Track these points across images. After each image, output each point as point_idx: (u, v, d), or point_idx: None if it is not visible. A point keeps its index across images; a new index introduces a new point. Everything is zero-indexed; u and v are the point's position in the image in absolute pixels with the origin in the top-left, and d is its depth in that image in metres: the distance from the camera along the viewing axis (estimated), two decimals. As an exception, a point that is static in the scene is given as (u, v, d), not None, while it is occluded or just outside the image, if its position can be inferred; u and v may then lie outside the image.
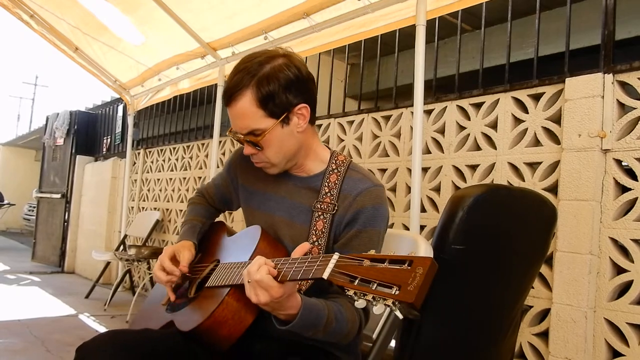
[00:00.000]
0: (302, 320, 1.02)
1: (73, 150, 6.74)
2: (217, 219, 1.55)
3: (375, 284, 0.81)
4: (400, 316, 0.80)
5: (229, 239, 1.40)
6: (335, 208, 1.20)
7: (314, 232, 1.19)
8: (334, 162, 1.27)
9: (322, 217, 1.20)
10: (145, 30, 3.78)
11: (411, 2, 2.36)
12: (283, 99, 1.16)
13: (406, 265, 0.80)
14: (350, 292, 0.83)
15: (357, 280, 0.83)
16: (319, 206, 1.21)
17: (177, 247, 1.34)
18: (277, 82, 1.14)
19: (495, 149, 2.41)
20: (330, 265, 0.89)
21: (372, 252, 0.87)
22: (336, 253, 0.91)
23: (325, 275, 0.88)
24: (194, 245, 1.37)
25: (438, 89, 2.82)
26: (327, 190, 1.22)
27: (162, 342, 1.17)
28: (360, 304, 0.82)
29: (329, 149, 1.33)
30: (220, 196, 1.50)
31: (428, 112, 2.71)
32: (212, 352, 1.17)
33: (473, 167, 2.50)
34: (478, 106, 2.53)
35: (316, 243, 1.19)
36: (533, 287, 2.12)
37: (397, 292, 0.78)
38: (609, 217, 1.98)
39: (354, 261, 0.87)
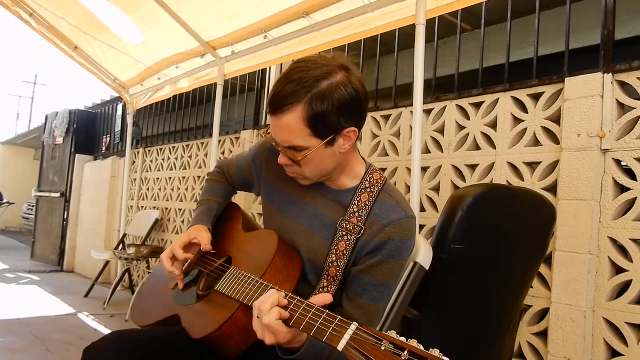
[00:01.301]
0: (305, 353, 1.02)
1: (72, 149, 6.74)
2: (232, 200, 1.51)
3: None
4: None
5: (244, 236, 1.35)
6: (362, 232, 1.14)
7: (334, 251, 1.16)
8: (367, 179, 1.21)
9: (345, 238, 1.15)
10: (145, 30, 3.78)
11: (411, 2, 2.35)
12: (334, 121, 1.09)
13: None
14: None
15: None
16: (344, 225, 1.16)
17: (191, 232, 1.30)
18: (331, 102, 1.07)
19: (495, 148, 2.41)
20: (347, 337, 0.84)
21: (393, 334, 0.82)
22: (354, 323, 0.86)
23: (339, 347, 0.84)
24: (209, 230, 1.33)
25: (438, 89, 2.82)
26: (355, 210, 1.17)
27: (169, 342, 1.16)
28: None
29: (365, 162, 1.26)
30: (241, 179, 1.44)
31: (428, 112, 2.71)
32: (219, 356, 1.17)
33: (472, 167, 2.50)
34: (478, 106, 2.53)
35: (335, 264, 1.15)
36: (532, 287, 2.12)
37: None
38: (608, 217, 1.98)
39: (372, 339, 0.82)
